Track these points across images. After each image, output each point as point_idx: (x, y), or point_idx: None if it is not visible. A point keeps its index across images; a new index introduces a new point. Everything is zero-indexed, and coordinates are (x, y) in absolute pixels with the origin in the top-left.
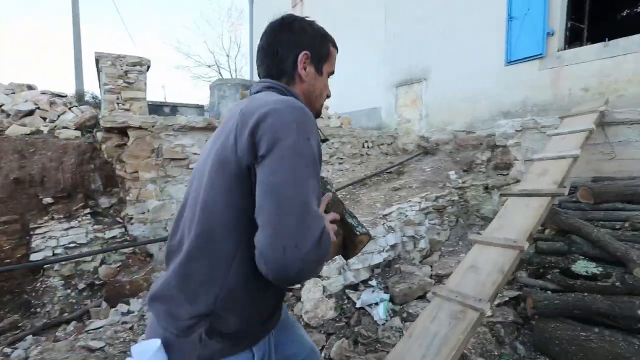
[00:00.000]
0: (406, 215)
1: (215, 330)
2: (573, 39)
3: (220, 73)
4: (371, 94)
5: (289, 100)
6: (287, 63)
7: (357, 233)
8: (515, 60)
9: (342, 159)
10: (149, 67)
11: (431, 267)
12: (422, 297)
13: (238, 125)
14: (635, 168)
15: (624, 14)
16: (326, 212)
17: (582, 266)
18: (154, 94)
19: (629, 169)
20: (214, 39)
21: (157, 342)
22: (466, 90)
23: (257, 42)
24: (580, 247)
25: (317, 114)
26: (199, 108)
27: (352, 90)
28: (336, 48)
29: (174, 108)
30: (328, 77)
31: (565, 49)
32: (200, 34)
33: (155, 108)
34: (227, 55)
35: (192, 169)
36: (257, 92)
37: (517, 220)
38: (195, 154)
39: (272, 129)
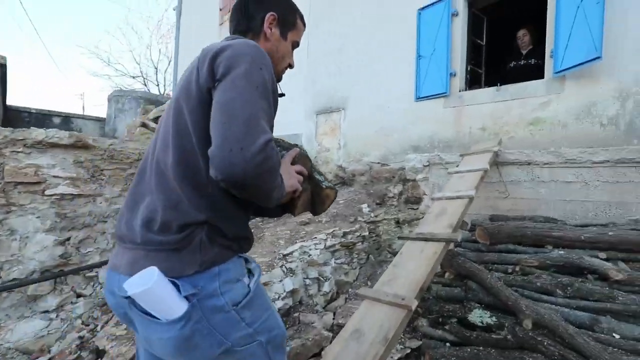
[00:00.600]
0: (309, 255)
1: (212, 236)
2: (473, 82)
3: (146, 85)
4: (294, 120)
5: (249, 41)
6: (255, 21)
7: (324, 187)
8: (424, 97)
9: None
10: (2, 65)
11: (334, 314)
12: (317, 355)
13: (200, 59)
14: (526, 207)
15: (512, 65)
16: (292, 164)
17: (478, 315)
18: (70, 104)
19: (520, 208)
20: (141, 49)
21: (153, 269)
22: (380, 122)
23: (182, 55)
24: (477, 293)
25: (278, 79)
26: (100, 121)
27: (277, 114)
28: (304, 24)
29: (67, 119)
30: (293, 47)
31: (466, 90)
32: (126, 42)
33: (30, 116)
34: (156, 68)
35: (49, 195)
36: None
37: (410, 269)
38: (56, 176)
39: (228, 58)
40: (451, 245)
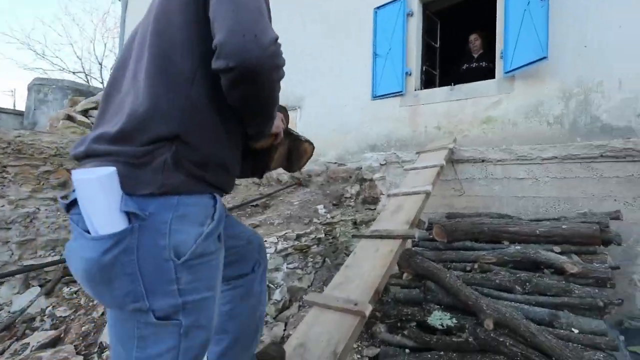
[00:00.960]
0: None
1: (179, 157)
2: (428, 83)
3: (89, 82)
4: None
5: None
6: None
7: (302, 139)
8: (381, 96)
9: None
10: None
11: (285, 324)
12: None
13: None
14: (481, 204)
15: (465, 67)
16: None
17: (438, 318)
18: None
19: (475, 205)
20: (84, 43)
21: (110, 168)
22: (337, 121)
23: None
24: (436, 294)
25: None
26: (20, 115)
27: None
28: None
29: None
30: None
31: (421, 89)
32: (65, 35)
33: None
34: (100, 64)
35: None
36: None
37: (364, 270)
38: None
39: None
40: (409, 244)
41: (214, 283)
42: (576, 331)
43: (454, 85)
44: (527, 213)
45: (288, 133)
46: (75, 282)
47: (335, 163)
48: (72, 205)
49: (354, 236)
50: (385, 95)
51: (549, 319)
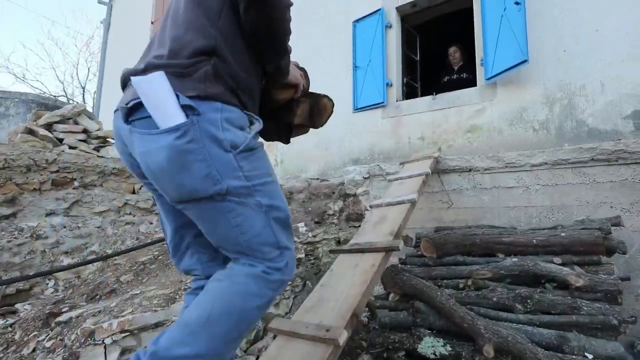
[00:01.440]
0: None
1: (218, 70)
2: (410, 95)
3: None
4: None
5: None
6: None
7: (321, 95)
8: (362, 108)
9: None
10: None
11: (257, 358)
12: None
13: None
14: (470, 217)
15: (445, 79)
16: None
17: (429, 345)
18: None
19: (465, 218)
20: (67, 67)
21: (159, 72)
22: (319, 135)
23: (108, 70)
24: (426, 317)
25: None
26: None
27: None
28: None
29: None
30: None
31: (403, 100)
32: (48, 59)
33: None
34: (83, 88)
35: None
36: None
37: (341, 289)
38: None
39: None
40: (395, 259)
41: (270, 170)
42: (590, 356)
43: (436, 94)
44: (520, 224)
45: (309, 93)
46: (13, 312)
47: (318, 179)
48: (133, 110)
49: (331, 251)
50: (367, 107)
51: (557, 342)
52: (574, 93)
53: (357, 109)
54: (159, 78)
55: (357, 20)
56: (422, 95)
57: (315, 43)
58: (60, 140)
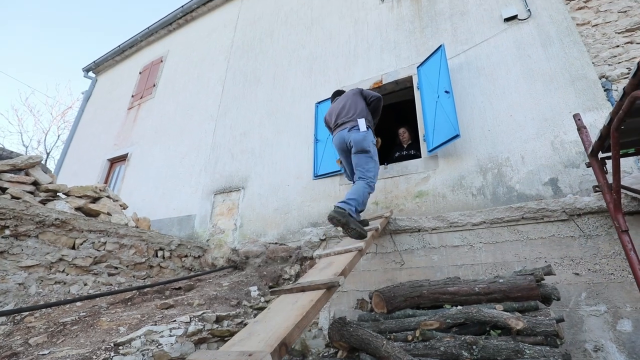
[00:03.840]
0: (159, 344)
1: (366, 122)
2: None
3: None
4: (188, 201)
5: None
6: None
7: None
8: (321, 175)
9: (116, 268)
10: None
11: None
12: None
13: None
14: (422, 276)
15: (397, 155)
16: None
17: None
18: None
19: (417, 278)
20: (36, 132)
21: (362, 119)
22: (280, 200)
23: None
24: None
25: None
26: None
27: (170, 196)
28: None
29: None
30: None
31: None
32: (17, 123)
33: None
34: (48, 154)
35: None
36: None
37: (275, 323)
38: None
39: None
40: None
41: (376, 153)
42: None
43: (387, 165)
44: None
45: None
46: None
47: (276, 243)
48: (352, 127)
49: (272, 291)
50: (326, 174)
51: None
52: (501, 164)
53: (317, 176)
54: (362, 120)
55: (319, 102)
56: None
57: (281, 118)
58: (4, 190)
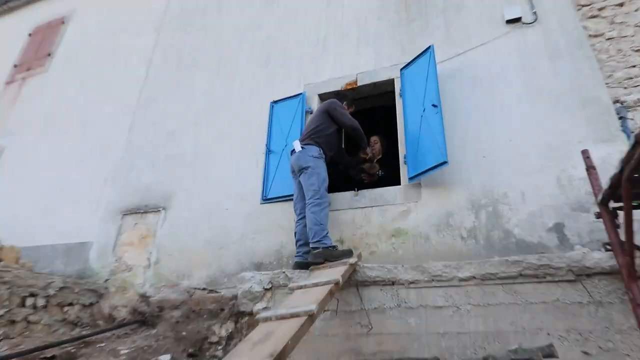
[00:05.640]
0: None
1: (322, 147)
2: (332, 187)
3: None
4: (83, 222)
5: None
6: None
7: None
8: (273, 199)
9: None
10: None
11: None
12: None
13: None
14: (395, 346)
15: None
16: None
17: None
18: None
19: (388, 348)
20: None
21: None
22: (214, 229)
23: None
24: None
25: None
26: None
27: (57, 213)
28: None
29: None
30: None
31: None
32: None
33: None
34: None
35: None
36: None
37: None
38: None
39: None
40: None
41: (322, 165)
42: None
43: (358, 190)
44: (454, 357)
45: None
46: None
47: (204, 289)
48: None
49: None
50: (279, 198)
51: None
52: (497, 200)
53: (266, 199)
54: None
55: (276, 102)
56: (343, 189)
57: (222, 119)
58: None
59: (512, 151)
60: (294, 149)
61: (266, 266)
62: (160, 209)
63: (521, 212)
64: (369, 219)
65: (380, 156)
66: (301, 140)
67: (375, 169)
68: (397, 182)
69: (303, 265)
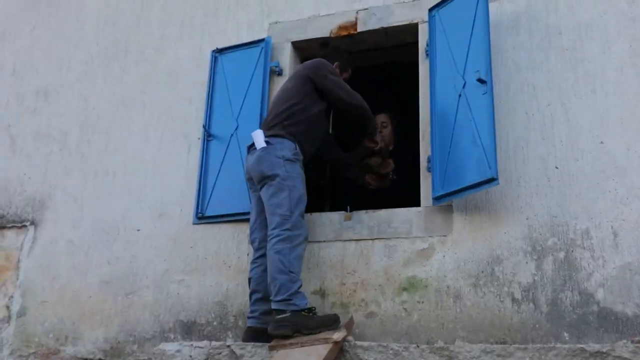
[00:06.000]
0: None
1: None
2: (314, 201)
3: None
4: None
5: None
6: None
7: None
8: (213, 217)
9: None
10: None
11: None
12: None
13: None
14: None
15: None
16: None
17: None
18: None
19: None
20: None
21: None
22: (117, 262)
23: None
24: None
25: None
26: None
27: None
28: None
29: None
30: None
31: None
32: None
33: None
34: None
35: None
36: None
37: None
38: None
39: None
40: None
41: (298, 175)
42: None
43: (352, 211)
44: None
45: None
46: None
47: None
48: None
49: None
50: (223, 217)
51: None
52: (574, 241)
53: (202, 218)
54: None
55: (222, 51)
56: (332, 206)
57: (125, 80)
58: None
59: (603, 160)
60: (252, 144)
61: (199, 329)
62: (27, 222)
63: (609, 264)
64: (367, 258)
65: (392, 147)
66: (265, 128)
67: (389, 168)
68: (413, 198)
69: (260, 334)
